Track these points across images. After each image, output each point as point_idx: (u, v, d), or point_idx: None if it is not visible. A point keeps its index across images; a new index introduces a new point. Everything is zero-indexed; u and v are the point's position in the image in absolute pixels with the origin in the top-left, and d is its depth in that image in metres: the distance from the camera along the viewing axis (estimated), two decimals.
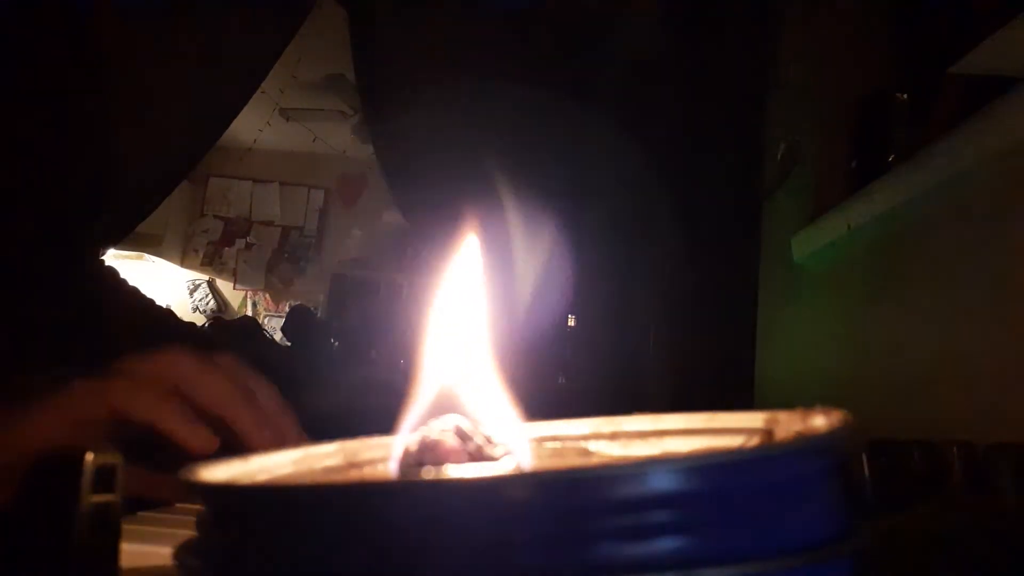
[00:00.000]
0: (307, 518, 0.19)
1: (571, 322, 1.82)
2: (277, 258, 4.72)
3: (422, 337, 0.27)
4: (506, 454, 0.25)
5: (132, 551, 0.30)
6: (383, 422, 0.27)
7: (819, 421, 0.23)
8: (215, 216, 4.71)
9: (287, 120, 3.96)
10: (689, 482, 0.18)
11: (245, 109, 1.44)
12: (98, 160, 0.81)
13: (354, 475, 0.28)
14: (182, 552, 0.21)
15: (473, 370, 0.26)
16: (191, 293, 4.63)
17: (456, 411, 0.25)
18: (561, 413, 0.31)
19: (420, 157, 1.58)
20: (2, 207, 0.69)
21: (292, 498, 0.20)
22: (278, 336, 3.95)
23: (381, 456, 0.29)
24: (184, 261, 4.67)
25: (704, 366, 1.54)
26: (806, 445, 0.20)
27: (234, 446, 0.48)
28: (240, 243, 4.72)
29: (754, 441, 0.25)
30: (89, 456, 0.27)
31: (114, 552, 0.27)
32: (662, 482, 0.17)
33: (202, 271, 4.69)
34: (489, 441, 0.24)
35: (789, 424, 0.24)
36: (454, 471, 0.23)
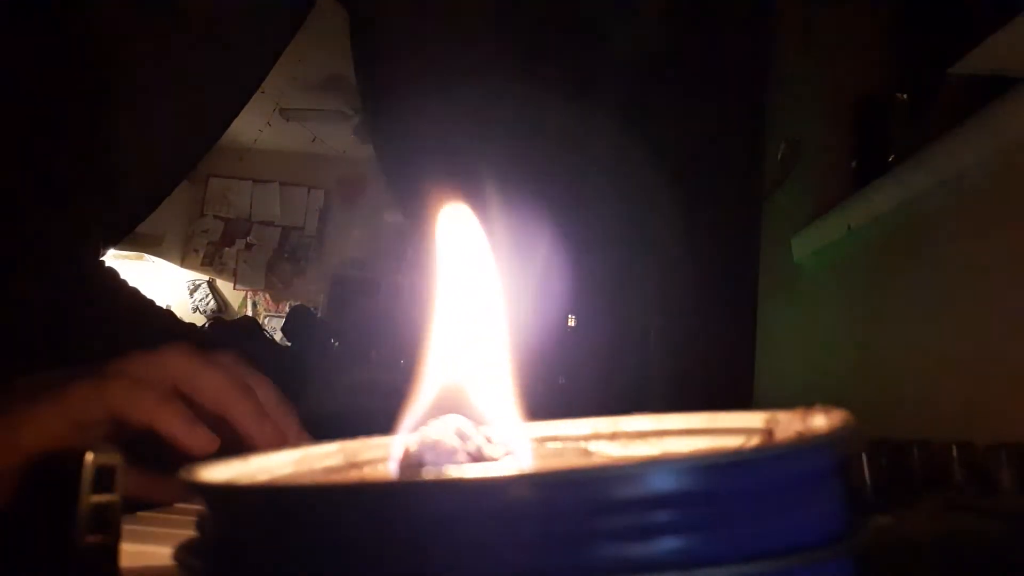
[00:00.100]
0: (307, 518, 0.19)
1: (571, 322, 1.82)
2: (277, 258, 4.72)
3: (425, 335, 0.27)
4: (506, 454, 0.25)
5: (132, 551, 0.30)
6: (383, 422, 0.27)
7: (819, 421, 0.23)
8: (215, 216, 4.71)
9: (287, 120, 3.96)
10: (689, 482, 0.18)
11: (245, 109, 1.44)
12: (98, 160, 0.81)
13: (354, 475, 0.28)
14: (182, 552, 0.21)
15: (479, 368, 0.26)
16: (191, 293, 4.63)
17: (457, 411, 0.25)
18: (561, 413, 0.31)
19: (420, 158, 1.58)
20: (2, 208, 0.69)
21: (292, 498, 0.20)
22: (278, 336, 3.95)
23: (381, 456, 0.29)
24: (184, 261, 4.67)
25: (704, 366, 1.54)
26: (806, 445, 0.20)
27: (235, 444, 0.48)
28: (240, 243, 4.72)
29: (754, 441, 0.25)
30: (89, 456, 0.27)
31: (114, 552, 0.27)
32: (662, 482, 0.17)
33: (202, 271, 4.69)
34: (489, 441, 0.24)
35: (789, 424, 0.24)
36: (454, 471, 0.23)
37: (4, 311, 0.66)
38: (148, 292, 0.92)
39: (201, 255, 4.68)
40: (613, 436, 0.30)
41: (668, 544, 0.17)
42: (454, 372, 0.27)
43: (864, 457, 0.38)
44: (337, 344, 3.55)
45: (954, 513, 0.35)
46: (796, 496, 0.19)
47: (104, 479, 0.27)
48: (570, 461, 0.29)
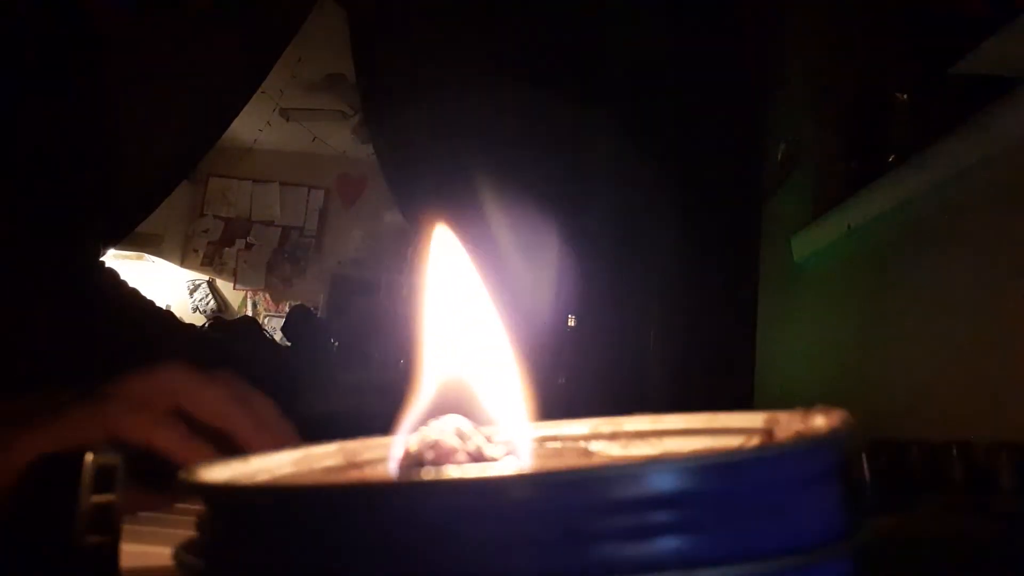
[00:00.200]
0: (307, 518, 0.19)
1: (571, 322, 1.82)
2: (277, 258, 4.72)
3: (425, 335, 0.27)
4: (506, 454, 0.25)
5: (132, 551, 0.30)
6: (383, 422, 0.27)
7: (819, 421, 0.23)
8: (215, 216, 4.71)
9: (287, 120, 3.96)
10: (689, 482, 0.18)
11: (245, 109, 1.44)
12: (98, 160, 0.81)
13: (354, 475, 0.28)
14: (182, 552, 0.21)
15: (479, 368, 0.26)
16: (191, 293, 4.64)
17: (457, 410, 0.25)
18: (561, 413, 0.31)
19: (420, 157, 1.58)
20: (2, 208, 0.69)
21: (292, 498, 0.20)
22: (278, 336, 3.95)
23: (381, 456, 0.29)
24: (184, 261, 4.67)
25: (704, 366, 1.54)
26: (806, 445, 0.20)
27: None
28: (240, 243, 4.72)
29: (754, 441, 0.25)
30: (89, 456, 0.27)
31: (114, 552, 0.27)
32: (662, 482, 0.17)
33: (202, 271, 4.69)
34: (489, 441, 0.24)
35: (789, 424, 0.24)
36: (454, 471, 0.23)
37: (4, 312, 0.66)
38: (148, 292, 0.92)
39: (201, 255, 4.68)
40: (613, 436, 0.30)
41: (668, 544, 0.17)
42: (454, 372, 0.27)
43: (864, 457, 0.38)
44: (337, 344, 3.55)
45: (954, 513, 0.35)
46: (796, 496, 0.19)
47: (104, 479, 0.27)
48: (570, 461, 0.29)
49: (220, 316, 4.44)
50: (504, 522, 0.17)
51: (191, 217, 4.69)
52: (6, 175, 0.69)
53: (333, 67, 3.28)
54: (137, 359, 0.50)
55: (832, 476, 0.21)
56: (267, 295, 4.70)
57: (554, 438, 0.30)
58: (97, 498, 0.26)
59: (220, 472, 0.24)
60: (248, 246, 4.72)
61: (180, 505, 0.45)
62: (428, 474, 0.23)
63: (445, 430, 0.24)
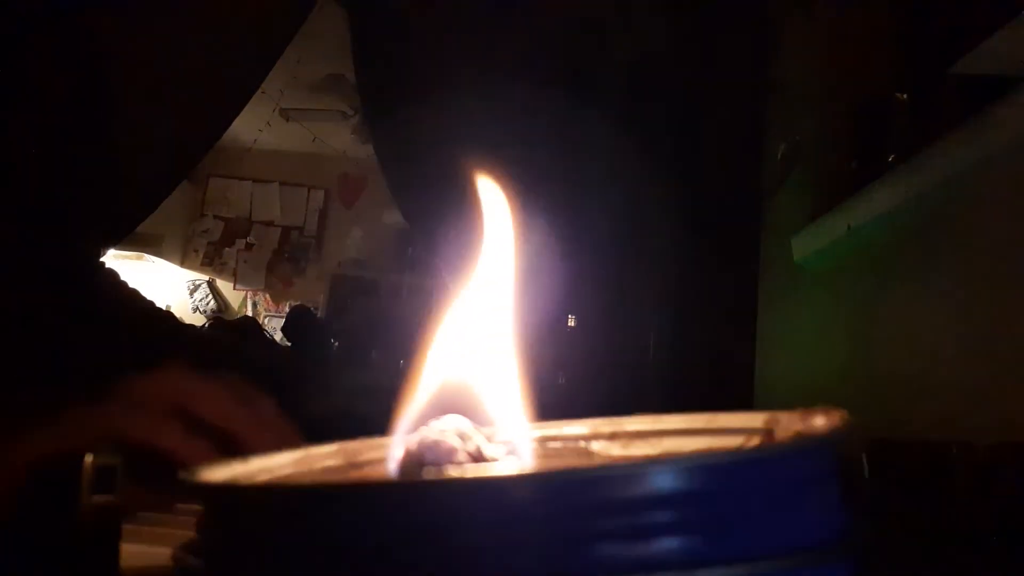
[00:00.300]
0: (307, 518, 0.19)
1: (571, 322, 1.82)
2: (277, 258, 4.72)
3: (425, 334, 0.27)
4: (506, 454, 0.25)
5: (132, 551, 0.30)
6: (383, 422, 0.27)
7: (819, 421, 0.23)
8: (215, 216, 4.71)
9: (287, 120, 3.97)
10: (689, 482, 0.18)
11: (245, 109, 1.44)
12: (98, 160, 0.81)
13: (354, 475, 0.28)
14: (182, 552, 0.21)
15: (480, 367, 0.26)
16: (191, 293, 4.64)
17: (457, 410, 0.25)
18: (561, 413, 0.31)
19: (420, 158, 1.58)
20: (1, 208, 0.69)
21: (292, 498, 0.20)
22: (278, 336, 3.95)
23: (381, 456, 0.29)
24: (184, 261, 4.68)
25: (704, 366, 1.54)
26: (806, 445, 0.20)
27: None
28: (240, 243, 4.72)
29: (754, 441, 0.25)
30: (89, 457, 0.27)
31: (114, 552, 0.27)
32: (662, 482, 0.17)
33: (202, 271, 4.69)
34: (489, 441, 0.24)
35: (789, 424, 0.24)
36: (454, 471, 0.23)
37: (4, 312, 0.66)
38: (148, 292, 0.92)
39: (201, 255, 4.68)
40: (613, 436, 0.30)
41: (668, 544, 0.17)
42: (454, 372, 0.27)
43: (864, 457, 0.38)
44: (337, 344, 3.56)
45: (954, 513, 0.35)
46: (796, 496, 0.19)
47: (104, 480, 0.27)
48: (570, 461, 0.29)
49: (220, 316, 4.45)
50: (504, 522, 0.17)
51: (191, 217, 4.69)
52: (6, 175, 0.69)
53: (333, 67, 3.28)
54: (138, 360, 0.51)
55: (832, 476, 0.21)
56: (267, 295, 4.70)
57: (554, 438, 0.30)
58: (97, 498, 0.27)
59: (220, 472, 0.24)
60: (248, 246, 4.73)
61: (180, 505, 0.45)
62: (428, 474, 0.23)
63: (445, 430, 0.24)
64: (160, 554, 0.31)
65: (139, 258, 4.41)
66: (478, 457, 0.24)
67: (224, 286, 4.71)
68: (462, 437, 0.24)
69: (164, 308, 1.26)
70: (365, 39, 1.58)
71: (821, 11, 1.36)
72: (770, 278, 1.50)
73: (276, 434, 0.51)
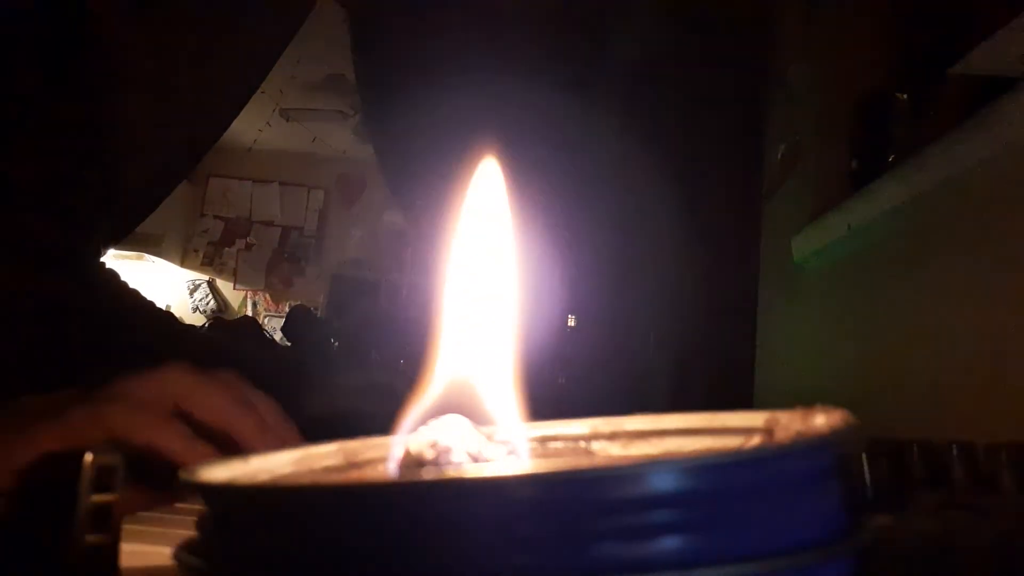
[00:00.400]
0: (307, 518, 0.19)
1: (571, 322, 1.82)
2: (277, 258, 4.72)
3: (426, 334, 0.27)
4: (506, 454, 0.25)
5: (132, 551, 0.30)
6: (383, 423, 0.27)
7: (819, 421, 0.23)
8: (215, 216, 4.71)
9: (287, 120, 3.96)
10: (689, 482, 0.18)
11: (245, 109, 1.44)
12: (98, 160, 0.81)
13: (354, 475, 0.28)
14: (182, 552, 0.21)
15: (480, 366, 0.26)
16: (191, 293, 4.64)
17: (457, 411, 0.25)
18: (561, 413, 0.31)
19: (420, 158, 1.58)
20: (1, 208, 0.69)
21: (292, 498, 0.20)
22: (278, 336, 3.95)
23: (381, 456, 0.29)
24: (184, 261, 4.68)
25: (704, 366, 1.54)
26: (806, 445, 0.20)
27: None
28: (240, 243, 4.72)
29: (754, 441, 0.25)
30: (89, 456, 0.27)
31: (114, 552, 0.27)
32: (662, 482, 0.17)
33: (202, 271, 4.69)
34: (489, 441, 0.24)
35: (789, 424, 0.24)
36: (454, 471, 0.23)
37: (4, 313, 0.66)
38: (148, 292, 0.92)
39: (201, 255, 4.68)
40: (613, 436, 0.30)
41: (668, 544, 0.17)
42: (455, 371, 0.27)
43: (864, 457, 0.38)
44: (337, 344, 3.55)
45: (954, 513, 0.35)
46: (796, 496, 0.19)
47: (104, 479, 0.27)
48: (570, 461, 0.29)
49: (220, 316, 4.45)
50: (504, 522, 0.17)
51: (191, 217, 4.69)
52: (5, 175, 0.69)
53: (333, 67, 3.28)
54: (138, 360, 0.50)
55: (832, 476, 0.21)
56: (267, 295, 4.70)
57: (554, 438, 0.30)
58: (97, 498, 0.26)
59: (220, 472, 0.24)
60: (248, 246, 4.73)
61: (180, 505, 0.45)
62: (428, 474, 0.23)
63: (445, 430, 0.24)
64: (160, 554, 0.31)
65: (139, 258, 4.40)
66: (478, 457, 0.24)
67: (224, 286, 4.70)
68: (462, 437, 0.24)
69: (164, 308, 1.26)
70: (365, 39, 1.58)
71: (821, 11, 1.36)
72: (770, 278, 1.50)
73: (276, 434, 0.51)
